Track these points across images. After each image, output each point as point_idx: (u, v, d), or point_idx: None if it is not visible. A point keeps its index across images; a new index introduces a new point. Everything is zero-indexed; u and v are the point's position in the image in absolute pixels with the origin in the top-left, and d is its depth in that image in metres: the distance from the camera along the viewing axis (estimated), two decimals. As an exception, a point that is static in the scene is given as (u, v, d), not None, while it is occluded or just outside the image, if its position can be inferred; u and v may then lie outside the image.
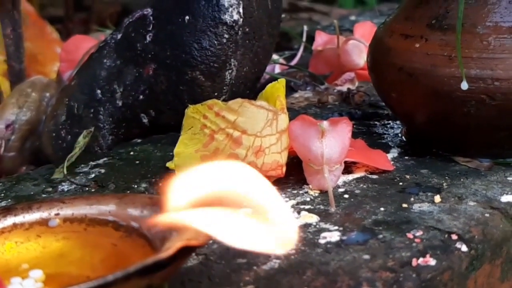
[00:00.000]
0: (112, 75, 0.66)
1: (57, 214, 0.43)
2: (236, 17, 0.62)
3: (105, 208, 0.43)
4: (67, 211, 0.43)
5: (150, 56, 0.65)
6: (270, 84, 0.58)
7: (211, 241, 0.46)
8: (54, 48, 1.00)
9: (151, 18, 0.65)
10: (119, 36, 0.67)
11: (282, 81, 0.57)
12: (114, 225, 0.42)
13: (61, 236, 0.43)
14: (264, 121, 0.52)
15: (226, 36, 0.63)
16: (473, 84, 0.53)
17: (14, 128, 0.70)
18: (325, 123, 0.52)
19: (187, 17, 0.63)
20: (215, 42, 0.63)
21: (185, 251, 0.36)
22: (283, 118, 0.53)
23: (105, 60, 0.66)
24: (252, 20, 0.64)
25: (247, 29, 0.64)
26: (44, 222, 0.43)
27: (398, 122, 0.67)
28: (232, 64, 0.64)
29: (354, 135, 0.58)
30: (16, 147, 0.70)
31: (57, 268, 0.41)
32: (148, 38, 0.65)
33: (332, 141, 0.52)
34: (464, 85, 0.52)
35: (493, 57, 0.53)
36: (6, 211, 0.43)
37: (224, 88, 0.64)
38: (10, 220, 0.43)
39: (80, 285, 0.32)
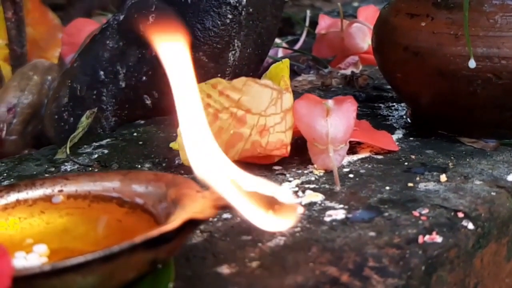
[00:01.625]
0: (115, 57, 0.65)
1: (60, 191, 0.43)
2: (239, -3, 0.62)
3: (109, 185, 0.43)
4: (70, 187, 0.43)
5: (153, 37, 0.64)
6: (274, 65, 0.57)
7: (215, 218, 0.46)
8: (55, 34, 0.99)
9: (154, -2, 0.65)
10: (121, 17, 0.66)
11: (286, 61, 0.57)
12: (118, 201, 0.42)
13: (65, 212, 0.42)
14: (268, 100, 0.52)
15: (230, 16, 0.62)
16: (479, 62, 0.52)
17: (16, 112, 0.70)
18: (330, 102, 0.52)
19: (190, -3, 0.63)
20: (218, 22, 0.62)
21: (191, 224, 0.36)
22: (288, 97, 0.53)
23: (107, 42, 0.66)
24: (255, 0, 0.63)
25: (250, 10, 0.63)
26: (47, 199, 0.43)
27: (402, 104, 0.66)
28: (236, 45, 0.63)
29: (359, 117, 0.57)
30: (18, 130, 0.70)
31: (61, 244, 0.41)
32: (150, 19, 0.64)
33: (337, 120, 0.52)
34: (472, 63, 0.52)
35: (500, 35, 0.53)
36: (10, 187, 0.43)
37: (227, 69, 0.64)
38: (13, 197, 0.43)
39: (86, 256, 0.32)
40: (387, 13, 0.59)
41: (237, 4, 0.62)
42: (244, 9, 0.62)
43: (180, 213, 0.37)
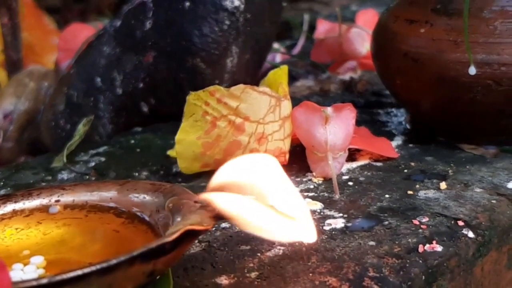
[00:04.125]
0: (112, 63, 0.65)
1: (57, 201, 0.43)
2: (237, 3, 0.62)
3: (106, 195, 0.43)
4: (67, 197, 0.43)
5: (150, 43, 0.64)
6: (272, 71, 0.57)
7: (214, 228, 0.45)
8: (51, 39, 0.99)
9: (151, 5, 0.64)
10: (118, 23, 0.66)
11: (284, 68, 0.57)
12: (115, 211, 0.42)
13: (62, 223, 0.42)
14: (266, 107, 0.51)
15: (227, 22, 0.62)
16: (479, 69, 0.52)
17: (12, 118, 0.69)
18: (329, 109, 0.52)
19: (187, 4, 0.62)
20: (216, 28, 0.62)
21: (189, 235, 0.35)
22: (286, 104, 0.52)
23: (104, 48, 0.65)
24: (253, 6, 0.63)
25: (248, 16, 0.63)
26: (44, 209, 0.42)
27: (401, 110, 0.66)
28: (233, 51, 0.63)
29: (357, 123, 0.57)
30: (14, 137, 0.70)
31: (58, 254, 0.40)
32: (148, 25, 0.64)
33: (336, 128, 0.51)
34: (472, 70, 0.51)
35: (499, 42, 0.52)
36: (6, 198, 0.43)
37: (225, 75, 0.63)
38: (10, 207, 0.42)
39: (84, 269, 0.31)
40: (386, 19, 0.59)
41: (235, 11, 0.62)
42: (242, 15, 0.62)
43: (178, 223, 0.36)
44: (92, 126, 0.63)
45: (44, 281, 0.31)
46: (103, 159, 0.58)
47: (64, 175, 0.56)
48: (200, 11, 0.62)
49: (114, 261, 0.32)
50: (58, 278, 0.31)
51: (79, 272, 0.31)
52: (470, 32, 0.52)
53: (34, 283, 0.31)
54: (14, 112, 0.70)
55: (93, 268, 0.31)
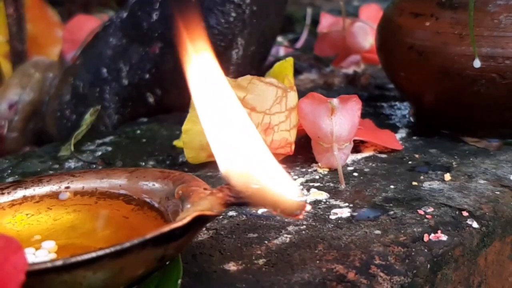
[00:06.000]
0: (118, 54, 0.65)
1: (67, 188, 0.43)
2: (243, -5, 0.62)
3: (116, 182, 0.43)
4: (77, 184, 0.43)
5: (156, 34, 0.64)
6: (278, 63, 0.58)
7: (221, 216, 0.46)
8: (54, 31, 0.99)
9: (158, -4, 0.65)
10: (125, 14, 0.66)
11: (290, 60, 0.57)
12: (125, 198, 0.42)
13: (72, 209, 0.43)
14: (273, 98, 0.52)
15: (233, 14, 0.62)
16: (483, 62, 0.52)
17: (17, 109, 0.70)
18: (335, 101, 0.52)
19: (194, -5, 0.63)
20: (222, 20, 0.62)
21: (200, 221, 0.36)
22: (293, 95, 0.53)
23: (110, 39, 0.66)
24: (259, -2, 0.64)
25: (254, 8, 0.63)
26: (54, 195, 0.43)
27: (405, 103, 0.67)
28: (239, 43, 0.63)
29: (362, 116, 0.57)
30: (19, 127, 0.70)
31: (69, 240, 0.41)
32: (154, 17, 0.64)
33: (342, 119, 0.52)
34: (477, 63, 0.52)
35: (504, 35, 0.53)
36: (16, 184, 0.43)
37: (231, 67, 0.64)
38: (20, 193, 0.43)
39: (98, 252, 0.32)
40: (391, 12, 0.60)
41: (241, 2, 0.62)
42: (248, 7, 0.62)
43: (188, 210, 0.37)
44: (98, 116, 0.64)
45: (59, 262, 0.31)
46: (109, 148, 0.59)
47: (71, 163, 0.56)
48: (207, 3, 0.62)
49: (127, 244, 0.32)
50: (73, 260, 0.32)
51: (93, 255, 0.32)
52: (475, 25, 0.53)
53: (49, 264, 0.31)
54: (19, 102, 0.70)
55: (107, 250, 0.32)
